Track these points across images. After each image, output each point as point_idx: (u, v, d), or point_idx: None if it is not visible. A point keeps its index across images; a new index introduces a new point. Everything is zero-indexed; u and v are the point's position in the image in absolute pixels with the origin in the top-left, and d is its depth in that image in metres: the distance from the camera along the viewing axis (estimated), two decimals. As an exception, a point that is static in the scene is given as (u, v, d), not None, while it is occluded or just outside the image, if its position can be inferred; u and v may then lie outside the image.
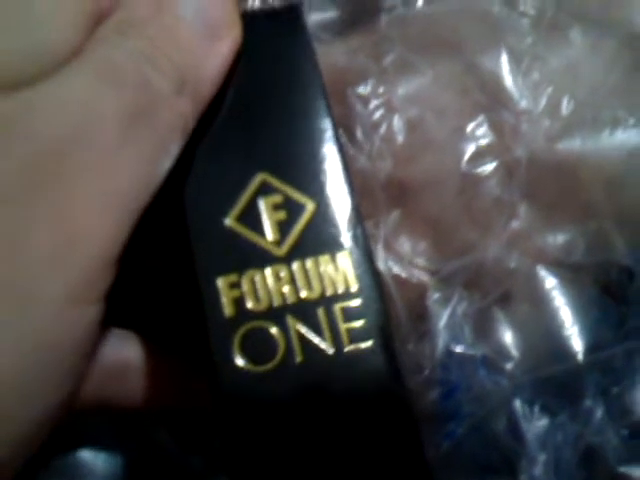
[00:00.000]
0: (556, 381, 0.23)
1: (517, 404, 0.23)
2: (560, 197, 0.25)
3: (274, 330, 0.17)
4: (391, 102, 0.25)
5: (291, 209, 0.18)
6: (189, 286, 0.18)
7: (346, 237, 0.18)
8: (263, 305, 0.17)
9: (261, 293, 0.18)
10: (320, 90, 0.19)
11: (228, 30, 0.18)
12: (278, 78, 0.19)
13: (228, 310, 0.17)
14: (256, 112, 0.19)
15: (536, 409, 0.23)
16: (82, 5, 0.17)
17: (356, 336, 0.18)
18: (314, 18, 0.27)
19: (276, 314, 0.17)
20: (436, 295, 0.23)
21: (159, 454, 0.24)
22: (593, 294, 0.24)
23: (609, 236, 0.24)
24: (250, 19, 0.19)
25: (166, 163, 0.17)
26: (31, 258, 0.15)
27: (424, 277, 0.24)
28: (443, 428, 0.23)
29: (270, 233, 0.18)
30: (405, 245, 0.24)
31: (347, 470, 0.17)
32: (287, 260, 0.18)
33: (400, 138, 0.24)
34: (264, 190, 0.18)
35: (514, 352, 0.23)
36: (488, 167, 0.24)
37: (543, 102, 0.25)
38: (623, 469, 0.22)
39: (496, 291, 0.24)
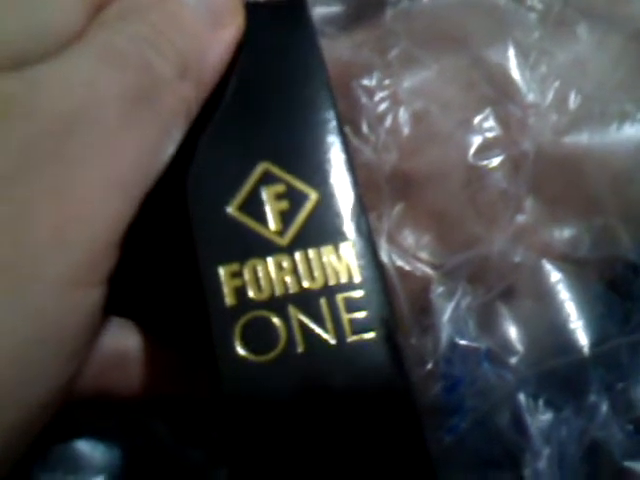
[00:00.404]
0: (561, 376, 0.23)
1: (521, 398, 0.23)
2: (566, 191, 0.24)
3: (276, 320, 0.17)
4: (396, 94, 0.25)
5: (294, 199, 0.18)
6: (190, 275, 0.18)
7: (349, 227, 0.18)
8: (265, 295, 0.17)
9: (263, 282, 0.17)
10: (324, 80, 0.19)
11: (231, 17, 0.18)
12: (282, 68, 0.19)
13: (229, 299, 0.17)
14: (259, 101, 0.19)
15: (540, 403, 0.23)
16: None
17: (358, 327, 0.17)
18: (319, 12, 0.26)
19: (278, 304, 0.17)
20: (440, 289, 0.23)
21: (158, 446, 0.24)
22: (598, 289, 0.24)
23: (615, 231, 0.24)
24: (254, 9, 0.19)
25: (169, 148, 0.17)
26: (31, 238, 0.15)
27: (428, 270, 0.24)
28: (446, 422, 0.23)
29: (272, 223, 0.18)
30: (409, 238, 0.24)
31: (348, 463, 0.17)
32: (289, 250, 0.18)
33: (405, 130, 0.24)
34: (267, 179, 0.18)
35: (518, 346, 0.23)
36: (494, 160, 0.24)
37: (550, 96, 0.25)
38: (628, 464, 0.22)
39: (500, 285, 0.24)
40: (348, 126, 0.24)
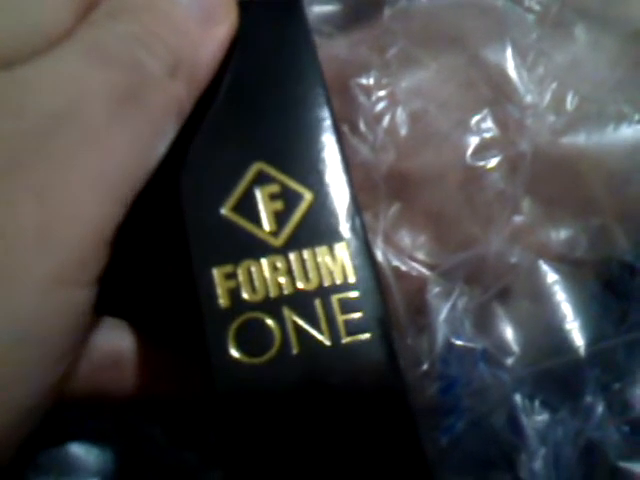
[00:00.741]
0: (557, 376, 0.23)
1: (517, 399, 0.23)
2: (563, 192, 0.24)
3: (270, 321, 0.17)
4: (394, 94, 0.24)
5: (288, 199, 0.18)
6: (184, 276, 0.18)
7: (344, 228, 0.18)
8: (259, 296, 0.17)
9: (257, 284, 0.17)
10: (318, 79, 0.19)
11: (224, 15, 0.18)
12: (276, 66, 0.19)
13: (223, 301, 0.17)
14: (253, 100, 0.19)
15: (536, 404, 0.23)
16: None
17: (354, 328, 0.17)
18: (317, 11, 0.26)
19: (272, 305, 0.17)
20: (436, 289, 0.23)
21: (152, 449, 0.24)
22: (595, 290, 0.24)
23: (612, 232, 0.24)
24: (247, 6, 0.19)
25: (160, 147, 0.17)
26: (16, 235, 0.15)
27: (424, 271, 0.23)
28: (442, 422, 0.23)
29: (267, 223, 0.18)
30: (405, 238, 0.24)
31: (343, 464, 0.17)
32: (284, 251, 0.18)
33: (403, 130, 0.24)
34: (261, 180, 0.18)
35: (515, 347, 0.23)
36: (492, 161, 0.24)
37: (548, 97, 0.25)
38: (623, 464, 0.22)
39: (497, 286, 0.23)
40: (345, 125, 0.24)
